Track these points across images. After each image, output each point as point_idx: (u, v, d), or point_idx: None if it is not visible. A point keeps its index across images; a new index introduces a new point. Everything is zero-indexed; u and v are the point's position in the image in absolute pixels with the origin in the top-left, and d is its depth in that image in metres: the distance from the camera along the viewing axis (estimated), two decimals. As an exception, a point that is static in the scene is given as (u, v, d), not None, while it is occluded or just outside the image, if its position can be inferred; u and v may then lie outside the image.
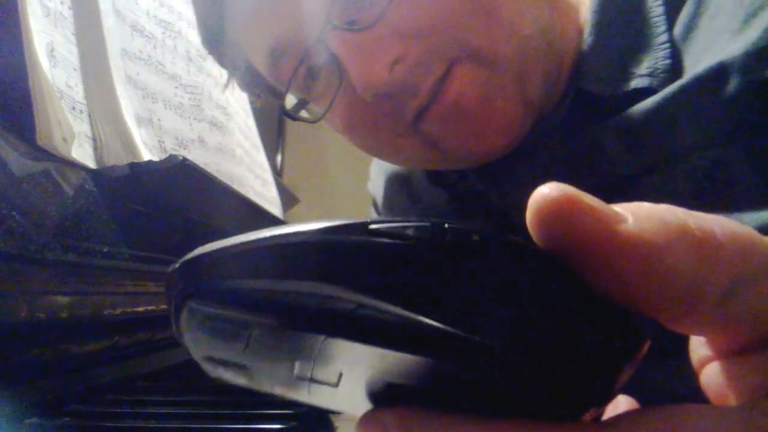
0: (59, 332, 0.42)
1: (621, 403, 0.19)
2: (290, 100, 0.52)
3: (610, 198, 0.14)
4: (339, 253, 0.12)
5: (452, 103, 0.43)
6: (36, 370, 0.40)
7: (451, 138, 0.45)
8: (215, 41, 0.52)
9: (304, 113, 0.52)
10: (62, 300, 0.42)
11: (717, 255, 0.13)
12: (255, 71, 0.51)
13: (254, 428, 0.36)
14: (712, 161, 0.38)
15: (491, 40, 0.42)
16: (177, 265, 0.15)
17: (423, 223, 0.13)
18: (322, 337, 0.13)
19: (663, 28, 0.43)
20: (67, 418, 0.39)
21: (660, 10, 0.44)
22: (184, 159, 0.49)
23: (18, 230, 0.39)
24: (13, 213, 0.39)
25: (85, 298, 0.45)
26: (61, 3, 0.49)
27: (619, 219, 0.13)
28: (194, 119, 0.64)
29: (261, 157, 0.94)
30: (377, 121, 0.46)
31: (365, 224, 0.13)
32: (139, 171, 0.49)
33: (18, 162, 0.41)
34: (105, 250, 0.47)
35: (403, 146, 0.48)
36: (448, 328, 0.12)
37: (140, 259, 0.51)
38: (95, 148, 0.49)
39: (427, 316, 0.12)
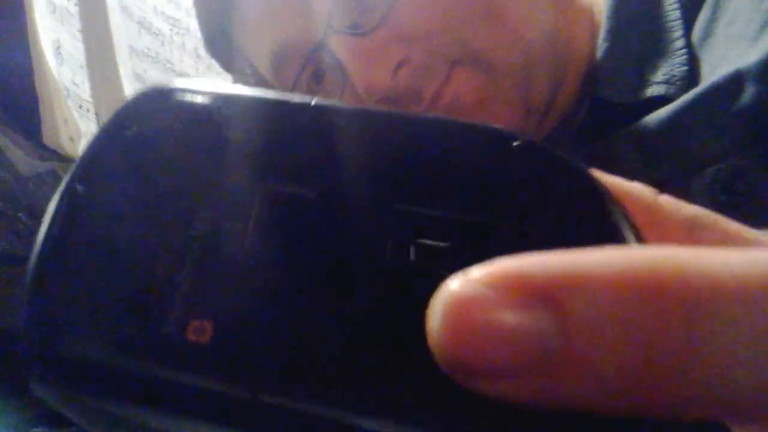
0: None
1: None
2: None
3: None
4: None
5: (448, 106, 0.42)
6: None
7: None
8: (218, 45, 0.52)
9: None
10: (69, 304, 0.41)
11: None
12: (259, 75, 0.50)
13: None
14: (731, 172, 0.37)
15: (493, 44, 0.41)
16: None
17: None
18: None
19: (680, 32, 0.42)
20: (73, 428, 0.37)
21: (676, 14, 0.43)
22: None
23: (24, 231, 0.38)
24: (19, 214, 0.38)
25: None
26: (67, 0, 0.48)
27: None
28: (202, 118, 0.63)
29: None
30: None
31: None
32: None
33: (24, 161, 0.40)
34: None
35: None
36: None
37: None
38: (103, 148, 0.48)
39: None
